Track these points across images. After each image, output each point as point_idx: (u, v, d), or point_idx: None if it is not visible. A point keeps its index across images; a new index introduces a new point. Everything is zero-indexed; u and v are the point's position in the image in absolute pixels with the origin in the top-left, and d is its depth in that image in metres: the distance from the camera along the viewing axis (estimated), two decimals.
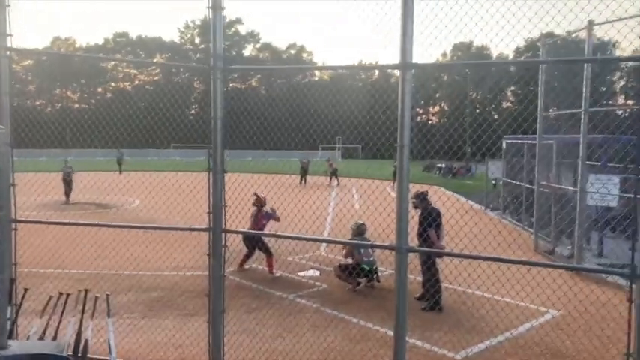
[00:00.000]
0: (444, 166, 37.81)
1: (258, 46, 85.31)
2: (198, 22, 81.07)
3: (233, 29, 79.21)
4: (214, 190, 5.16)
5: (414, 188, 6.28)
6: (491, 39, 4.46)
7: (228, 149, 5.28)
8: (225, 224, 5.24)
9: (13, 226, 5.28)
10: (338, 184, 28.80)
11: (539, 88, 11.51)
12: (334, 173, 29.61)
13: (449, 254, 4.57)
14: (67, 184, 20.63)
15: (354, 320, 7.33)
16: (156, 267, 9.56)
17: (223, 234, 5.22)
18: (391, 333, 6.66)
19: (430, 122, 71.68)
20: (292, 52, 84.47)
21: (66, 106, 73.07)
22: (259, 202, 10.02)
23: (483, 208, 19.27)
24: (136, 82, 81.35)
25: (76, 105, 76.56)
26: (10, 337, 4.93)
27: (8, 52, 5.18)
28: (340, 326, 7.06)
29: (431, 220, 7.58)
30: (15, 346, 3.84)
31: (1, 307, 3.75)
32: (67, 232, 8.46)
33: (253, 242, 9.65)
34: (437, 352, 6.27)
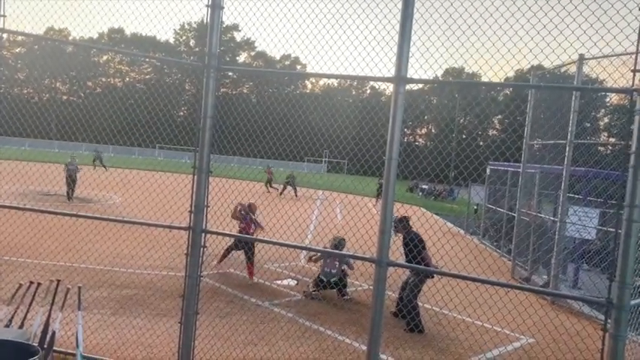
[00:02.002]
0: (426, 187, 38.05)
1: (252, 53, 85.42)
2: (194, 25, 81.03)
3: (229, 35, 79.28)
4: (198, 190, 5.10)
5: (396, 208, 6.29)
6: (481, 66, 4.54)
7: (215, 153, 5.25)
8: (206, 225, 5.18)
9: None
10: (296, 195, 27.81)
11: (528, 116, 11.68)
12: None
13: (432, 271, 4.56)
14: (72, 181, 19.60)
15: (329, 333, 7.28)
16: (131, 264, 9.42)
17: (203, 234, 5.17)
18: (364, 348, 6.63)
19: (417, 143, 72.33)
20: (287, 62, 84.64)
21: (54, 97, 72.27)
22: (252, 209, 10.49)
23: (463, 231, 19.40)
24: (127, 79, 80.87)
25: (64, 97, 75.74)
26: None
27: (0, 33, 5.13)
28: (314, 338, 7.00)
29: (418, 242, 7.53)
30: None
31: None
32: (44, 222, 8.31)
33: (243, 243, 9.98)
34: None
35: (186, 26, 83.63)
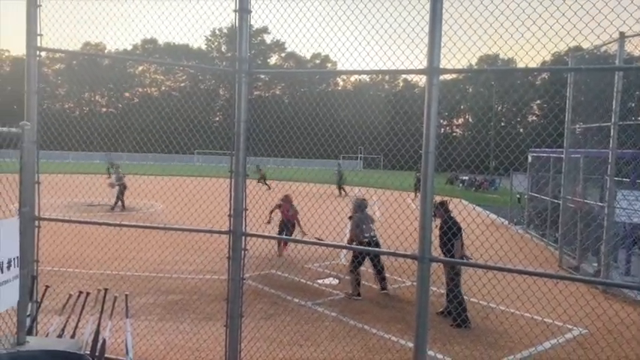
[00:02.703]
0: (467, 178, 37.39)
1: (283, 54, 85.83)
2: (225, 31, 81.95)
3: (259, 38, 79.88)
4: (235, 193, 5.13)
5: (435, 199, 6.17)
6: (517, 52, 4.39)
7: (250, 155, 5.28)
8: (245, 228, 5.21)
9: (36, 223, 5.33)
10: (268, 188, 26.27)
11: (568, 100, 11.30)
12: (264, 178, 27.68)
13: (474, 265, 4.43)
14: (124, 187, 20.17)
15: (374, 331, 7.22)
16: (175, 270, 9.58)
17: (243, 237, 5.20)
18: (411, 344, 6.53)
19: (454, 134, 71.31)
20: (317, 61, 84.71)
21: (94, 109, 74.52)
22: (288, 199, 12.20)
23: (507, 222, 18.95)
24: (163, 87, 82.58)
25: (104, 109, 77.96)
26: (29, 333, 4.96)
27: (38, 52, 5.27)
28: (359, 336, 6.95)
29: (456, 230, 7.42)
30: (33, 342, 3.86)
31: (21, 303, 3.75)
32: (89, 233, 8.56)
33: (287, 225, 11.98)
34: None
35: (217, 32, 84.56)
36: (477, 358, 6.21)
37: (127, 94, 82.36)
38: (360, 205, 9.49)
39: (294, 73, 38.90)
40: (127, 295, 5.38)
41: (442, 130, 76.42)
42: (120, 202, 20.11)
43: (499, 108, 61.66)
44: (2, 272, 3.53)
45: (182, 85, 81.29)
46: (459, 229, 7.63)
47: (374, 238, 9.20)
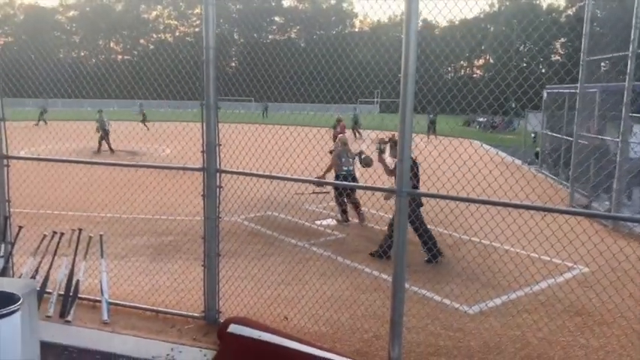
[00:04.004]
0: (484, 119, 36.50)
1: None
2: None
3: None
4: (207, 128, 4.84)
5: (448, 142, 5.76)
6: None
7: (271, 101, 5.00)
8: (219, 164, 4.95)
9: (5, 162, 5.15)
10: None
11: (584, 29, 10.56)
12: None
13: (453, 198, 4.12)
14: (106, 133, 20.88)
15: (367, 270, 7.04)
16: (172, 212, 9.47)
17: (218, 174, 4.95)
18: (405, 285, 6.35)
19: (475, 76, 69.42)
20: (332, 2, 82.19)
21: (109, 57, 74.02)
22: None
23: (521, 162, 18.43)
24: (177, 33, 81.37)
25: (119, 57, 77.39)
26: (4, 274, 4.87)
27: None
28: (352, 276, 6.77)
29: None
30: None
31: None
32: (89, 175, 8.45)
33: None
34: (448, 305, 5.92)
35: None
36: (469, 297, 5.99)
37: (141, 41, 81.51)
38: (343, 141, 10.03)
39: None
40: (101, 236, 5.23)
41: (462, 71, 74.44)
42: (106, 146, 20.50)
43: (520, 48, 59.29)
44: None
45: (197, 30, 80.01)
46: (414, 162, 7.29)
47: (351, 172, 9.75)
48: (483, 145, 18.95)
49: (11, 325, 2.89)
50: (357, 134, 28.06)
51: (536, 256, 7.14)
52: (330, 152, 10.01)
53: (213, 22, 4.71)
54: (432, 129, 25.16)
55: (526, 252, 7.10)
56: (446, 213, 5.69)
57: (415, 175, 7.26)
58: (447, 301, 5.98)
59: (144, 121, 31.32)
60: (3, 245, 5.06)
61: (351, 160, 9.85)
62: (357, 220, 9.82)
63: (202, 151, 4.90)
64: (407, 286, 6.53)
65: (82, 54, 73.30)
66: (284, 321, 5.26)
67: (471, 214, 7.85)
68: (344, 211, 9.79)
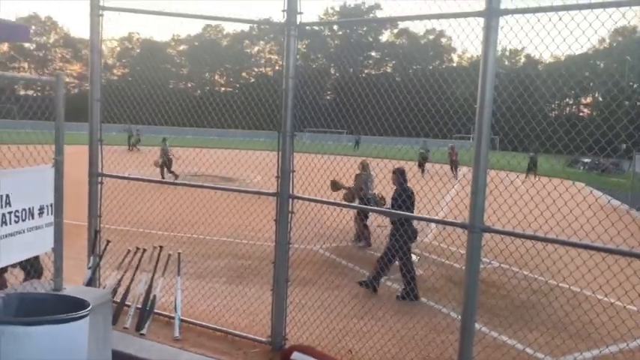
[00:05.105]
0: (588, 160, 34.21)
1: (395, 31, 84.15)
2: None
3: (372, 14, 78.95)
4: (283, 154, 4.93)
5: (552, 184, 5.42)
6: None
7: (365, 134, 5.10)
8: (292, 190, 5.00)
9: (99, 179, 5.53)
10: None
11: None
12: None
13: (532, 238, 3.80)
14: (169, 161, 21.74)
15: (444, 310, 6.74)
16: (252, 236, 9.67)
17: (290, 200, 4.99)
18: (484, 330, 5.99)
19: (581, 114, 65.88)
20: (430, 37, 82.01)
21: (213, 89, 78.57)
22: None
23: (628, 207, 16.98)
24: (277, 67, 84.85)
25: (222, 89, 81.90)
26: (89, 285, 5.19)
27: (100, 11, 5.39)
28: (427, 315, 6.51)
29: (405, 197, 7.06)
30: (69, 289, 3.95)
31: (57, 251, 3.84)
32: (178, 196, 8.88)
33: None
34: (531, 354, 5.50)
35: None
36: (555, 348, 5.50)
37: (243, 74, 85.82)
38: (364, 166, 10.45)
39: (346, 22, 37.92)
40: (179, 254, 5.44)
41: (567, 109, 70.83)
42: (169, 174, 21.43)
43: (634, 85, 55.38)
44: (33, 218, 3.63)
45: (298, 63, 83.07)
46: (409, 197, 7.23)
47: (374, 197, 10.09)
48: (594, 191, 17.60)
49: (79, 329, 3.02)
50: (423, 170, 26.67)
51: (634, 308, 6.47)
52: (356, 176, 10.35)
53: (294, 53, 4.84)
54: (532, 169, 24.03)
55: (622, 303, 6.44)
56: (532, 255, 5.31)
57: (412, 204, 7.31)
58: (529, 350, 5.56)
59: (134, 144, 32.11)
60: (92, 258, 5.40)
61: (371, 185, 10.25)
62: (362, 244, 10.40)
63: (277, 177, 4.98)
64: (486, 330, 6.18)
65: (189, 85, 78.38)
66: (348, 354, 5.12)
67: (559, 257, 7.30)
68: (367, 237, 10.41)
